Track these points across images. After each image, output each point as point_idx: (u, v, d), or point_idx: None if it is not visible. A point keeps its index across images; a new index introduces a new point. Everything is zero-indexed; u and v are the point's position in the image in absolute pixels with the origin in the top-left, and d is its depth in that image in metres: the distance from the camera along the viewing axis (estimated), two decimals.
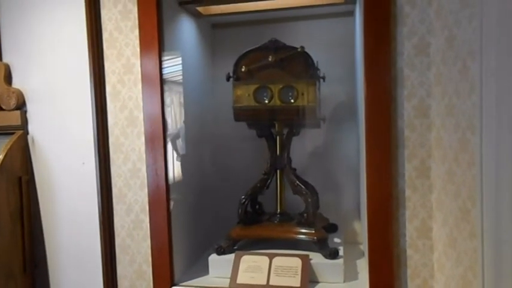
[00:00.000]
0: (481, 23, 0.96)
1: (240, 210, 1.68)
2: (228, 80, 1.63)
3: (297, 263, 1.50)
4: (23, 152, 1.66)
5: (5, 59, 1.70)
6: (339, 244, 1.65)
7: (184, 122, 1.74)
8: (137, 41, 1.54)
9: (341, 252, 1.56)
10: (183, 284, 1.55)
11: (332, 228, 1.81)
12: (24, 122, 1.68)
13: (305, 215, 1.63)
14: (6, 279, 1.56)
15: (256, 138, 1.72)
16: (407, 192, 1.36)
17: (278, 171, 1.71)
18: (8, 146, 1.60)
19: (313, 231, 1.59)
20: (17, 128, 1.67)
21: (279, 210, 1.73)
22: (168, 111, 1.59)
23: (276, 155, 1.70)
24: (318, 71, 1.62)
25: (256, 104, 1.61)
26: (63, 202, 1.67)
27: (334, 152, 1.95)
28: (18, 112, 1.66)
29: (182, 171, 1.71)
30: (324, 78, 1.65)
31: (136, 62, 1.55)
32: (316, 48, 1.62)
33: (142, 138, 1.56)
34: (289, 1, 1.80)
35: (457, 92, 1.14)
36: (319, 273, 1.51)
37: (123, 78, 1.58)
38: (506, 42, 0.88)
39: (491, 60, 0.93)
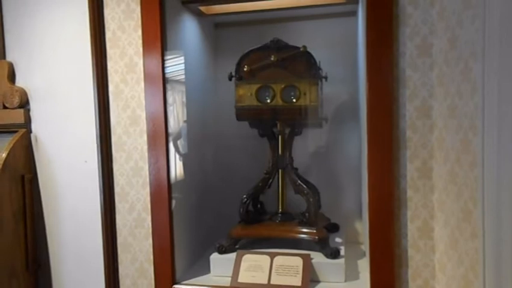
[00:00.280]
0: (484, 24, 0.96)
1: (241, 209, 1.68)
2: (230, 79, 1.64)
3: (298, 262, 1.50)
4: (26, 150, 1.67)
5: (9, 58, 1.70)
6: (340, 244, 1.65)
7: (187, 121, 1.75)
8: (140, 40, 1.54)
9: (342, 252, 1.57)
10: (185, 282, 1.56)
11: (333, 228, 1.82)
12: (28, 120, 1.68)
13: (306, 214, 1.63)
14: (9, 278, 1.57)
15: (258, 138, 1.72)
16: (409, 193, 1.36)
17: (280, 170, 1.72)
18: (11, 145, 1.61)
19: (315, 231, 1.59)
20: (20, 126, 1.67)
21: (280, 210, 1.74)
22: (170, 110, 1.59)
23: (277, 154, 1.71)
24: (320, 71, 1.63)
25: (258, 104, 1.62)
26: (65, 200, 1.68)
27: (335, 152, 1.96)
28: (21, 110, 1.67)
29: (184, 170, 1.72)
30: (326, 78, 1.65)
31: (139, 61, 1.56)
32: (318, 48, 1.62)
33: (145, 137, 1.57)
34: (292, 1, 1.80)
35: (459, 92, 1.14)
36: (320, 272, 1.51)
37: (125, 77, 1.58)
38: (509, 43, 0.88)
39: (494, 61, 0.93)
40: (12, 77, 1.69)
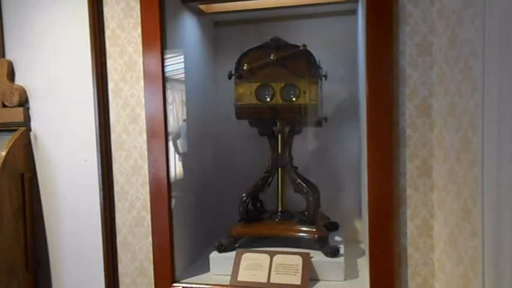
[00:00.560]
0: (484, 22, 0.96)
1: (241, 208, 1.68)
2: (230, 78, 1.63)
3: (297, 261, 1.50)
4: (25, 148, 1.67)
5: (8, 56, 1.70)
6: (340, 242, 1.66)
7: (186, 119, 1.74)
8: (139, 39, 1.54)
9: (342, 251, 1.57)
10: (184, 281, 1.56)
11: (333, 227, 1.82)
12: (27, 118, 1.68)
13: (306, 213, 1.63)
14: (8, 276, 1.57)
15: (257, 136, 1.72)
16: (409, 191, 1.36)
17: (279, 169, 1.72)
18: (11, 143, 1.61)
19: (314, 230, 1.59)
20: (19, 124, 1.67)
21: (280, 208, 1.74)
22: (170, 108, 1.59)
23: (277, 153, 1.71)
24: (320, 70, 1.62)
25: (258, 102, 1.61)
26: (65, 199, 1.67)
27: (335, 151, 1.96)
28: (21, 109, 1.67)
29: (184, 169, 1.72)
30: (326, 76, 1.65)
31: (139, 59, 1.55)
32: (318, 47, 1.62)
33: (144, 136, 1.56)
34: None
35: (459, 91, 1.14)
36: (319, 271, 1.51)
37: (125, 75, 1.58)
38: (509, 42, 0.88)
39: (494, 60, 0.93)
40: (11, 75, 1.69)
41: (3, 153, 1.58)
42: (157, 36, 1.51)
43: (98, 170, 1.59)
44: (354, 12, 1.85)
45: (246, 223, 1.68)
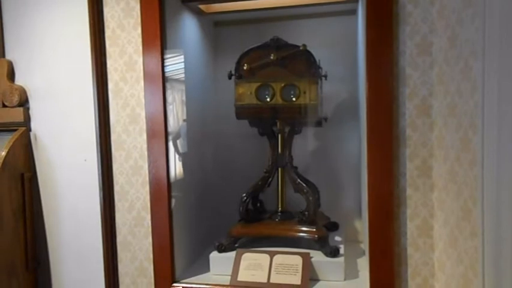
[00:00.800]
0: (484, 22, 0.96)
1: (241, 208, 1.68)
2: (230, 78, 1.63)
3: (297, 261, 1.50)
4: (25, 148, 1.67)
5: (8, 56, 1.70)
6: (340, 242, 1.66)
7: (186, 119, 1.74)
8: (140, 39, 1.54)
9: (342, 251, 1.57)
10: (184, 281, 1.56)
11: (333, 227, 1.82)
12: (27, 118, 1.68)
13: (306, 213, 1.63)
14: (8, 276, 1.57)
15: (257, 136, 1.72)
16: (409, 191, 1.36)
17: (279, 169, 1.72)
18: (11, 143, 1.61)
19: (314, 230, 1.59)
20: (19, 124, 1.67)
21: (280, 208, 1.74)
22: (170, 108, 1.59)
23: (277, 153, 1.71)
24: (320, 70, 1.62)
25: (258, 102, 1.61)
26: (65, 199, 1.67)
27: (335, 151, 1.96)
28: (20, 109, 1.67)
29: (184, 169, 1.72)
30: (325, 76, 1.65)
31: (139, 59, 1.55)
32: (318, 47, 1.62)
33: (144, 136, 1.56)
34: None
35: (459, 91, 1.14)
36: (319, 271, 1.51)
37: (125, 75, 1.58)
38: (509, 42, 0.88)
39: (494, 60, 0.93)
40: (11, 75, 1.69)
41: (3, 153, 1.58)
42: (157, 36, 1.51)
43: (98, 170, 1.59)
44: (353, 12, 1.85)
45: (246, 223, 1.68)
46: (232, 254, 1.58)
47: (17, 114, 1.67)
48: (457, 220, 1.17)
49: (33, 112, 1.69)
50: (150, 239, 1.58)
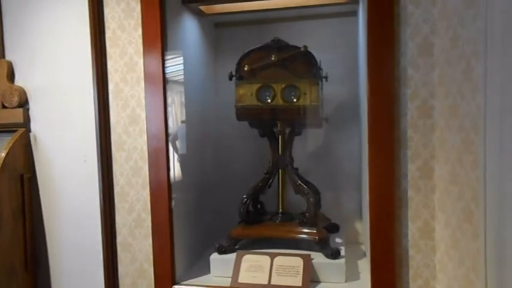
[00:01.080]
0: (486, 23, 0.96)
1: (241, 210, 1.68)
2: (230, 79, 1.63)
3: (298, 262, 1.49)
4: (25, 149, 1.66)
5: (8, 57, 1.70)
6: (341, 244, 1.65)
7: (187, 120, 1.74)
8: (140, 40, 1.54)
9: (342, 252, 1.56)
10: (184, 283, 1.55)
11: (333, 228, 1.81)
12: (27, 119, 1.68)
13: (307, 214, 1.62)
14: (8, 277, 1.57)
15: (258, 138, 1.72)
16: (410, 193, 1.36)
17: (280, 170, 1.71)
18: (10, 144, 1.60)
19: (315, 231, 1.59)
20: (19, 125, 1.67)
21: (280, 210, 1.73)
22: (170, 110, 1.59)
23: (278, 154, 1.70)
24: (321, 71, 1.62)
25: (259, 103, 1.61)
26: (65, 200, 1.67)
27: (336, 152, 1.95)
28: (20, 110, 1.66)
29: (184, 170, 1.71)
30: (326, 78, 1.65)
31: (139, 60, 1.55)
32: (318, 48, 1.62)
33: (145, 137, 1.56)
34: (292, 0, 1.80)
35: (460, 92, 1.13)
36: (320, 273, 1.51)
37: (125, 76, 1.58)
38: (511, 42, 0.88)
39: (496, 61, 0.93)
40: (11, 76, 1.69)
41: (3, 154, 1.57)
42: (158, 37, 1.50)
43: (98, 171, 1.59)
44: (354, 13, 1.85)
45: (246, 225, 1.68)
46: (232, 256, 1.57)
47: (16, 115, 1.67)
48: (459, 222, 1.16)
49: (33, 113, 1.69)
50: (150, 241, 1.57)
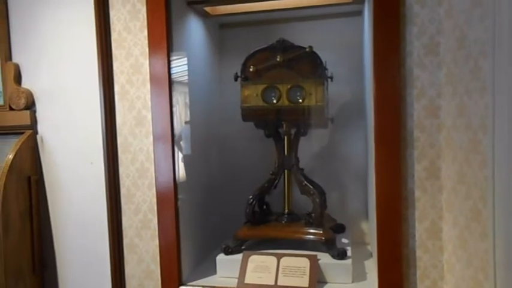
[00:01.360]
0: (494, 22, 0.96)
1: (247, 210, 1.68)
2: (236, 79, 1.63)
3: (305, 263, 1.49)
4: (32, 151, 1.67)
5: (15, 59, 1.71)
6: (347, 244, 1.64)
7: (192, 122, 1.74)
8: (146, 41, 1.54)
9: (349, 253, 1.56)
10: (191, 283, 1.55)
11: (339, 229, 1.81)
12: (34, 121, 1.69)
13: (313, 215, 1.62)
14: (15, 279, 1.57)
15: (264, 138, 1.72)
16: (417, 193, 1.35)
17: (286, 171, 1.71)
18: (18, 146, 1.61)
19: (321, 232, 1.58)
20: (26, 127, 1.68)
21: (286, 210, 1.73)
22: (176, 111, 1.59)
23: (283, 155, 1.70)
24: (326, 71, 1.62)
25: (264, 104, 1.61)
26: (71, 202, 1.68)
27: (341, 152, 1.95)
28: (27, 112, 1.67)
29: (190, 171, 1.72)
30: (331, 78, 1.64)
31: (145, 62, 1.55)
32: (324, 48, 1.61)
33: (151, 138, 1.56)
34: (297, 1, 1.80)
35: (468, 91, 1.13)
36: (327, 273, 1.50)
37: (131, 78, 1.58)
38: None
39: (504, 59, 0.92)
40: (18, 78, 1.70)
41: (11, 157, 1.58)
42: (164, 38, 1.50)
43: (105, 173, 1.59)
44: (359, 13, 1.85)
45: (252, 225, 1.68)
46: (239, 257, 1.57)
47: (23, 117, 1.68)
48: (467, 222, 1.16)
49: (39, 115, 1.70)
50: (156, 242, 1.57)
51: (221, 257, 1.61)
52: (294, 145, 1.70)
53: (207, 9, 1.83)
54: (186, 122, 1.73)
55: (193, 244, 1.70)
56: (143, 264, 1.62)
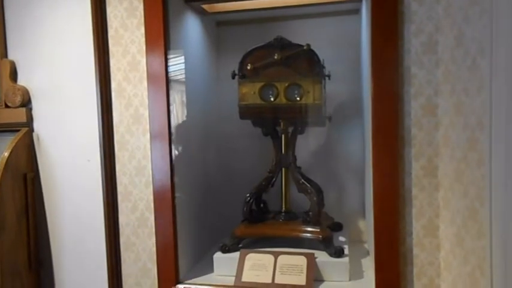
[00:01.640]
0: (491, 20, 0.96)
1: (244, 209, 1.68)
2: (233, 77, 1.63)
3: (302, 261, 1.49)
4: (28, 149, 1.66)
5: (11, 56, 1.70)
6: (344, 243, 1.65)
7: (189, 119, 1.74)
8: (143, 39, 1.53)
9: (346, 251, 1.56)
10: (188, 282, 1.55)
11: (337, 227, 1.81)
12: (30, 119, 1.68)
13: (310, 213, 1.62)
14: (11, 277, 1.57)
15: (261, 137, 1.72)
16: (414, 191, 1.36)
17: (283, 169, 1.71)
18: (13, 144, 1.60)
19: (319, 230, 1.58)
20: (22, 125, 1.67)
21: (283, 209, 1.73)
22: (173, 109, 1.58)
23: (281, 153, 1.70)
24: (324, 69, 1.62)
25: (262, 102, 1.61)
26: (68, 199, 1.67)
27: (339, 151, 1.95)
28: (23, 109, 1.66)
29: (187, 169, 1.71)
30: (329, 76, 1.64)
31: (142, 59, 1.55)
32: (321, 46, 1.61)
33: (148, 136, 1.56)
34: None
35: (466, 90, 1.13)
36: (324, 271, 1.51)
37: (128, 75, 1.58)
38: None
39: (502, 58, 0.92)
40: (14, 75, 1.69)
41: (6, 154, 1.57)
42: (161, 36, 1.50)
43: (101, 171, 1.59)
44: (357, 11, 1.84)
45: (249, 223, 1.68)
46: (236, 255, 1.57)
47: (19, 115, 1.67)
48: (464, 220, 1.16)
49: (35, 112, 1.69)
50: (153, 240, 1.57)
51: (218, 255, 1.61)
52: (291, 143, 1.69)
53: (205, 6, 1.82)
54: (184, 120, 1.72)
55: (191, 242, 1.69)
56: (140, 263, 1.61)
